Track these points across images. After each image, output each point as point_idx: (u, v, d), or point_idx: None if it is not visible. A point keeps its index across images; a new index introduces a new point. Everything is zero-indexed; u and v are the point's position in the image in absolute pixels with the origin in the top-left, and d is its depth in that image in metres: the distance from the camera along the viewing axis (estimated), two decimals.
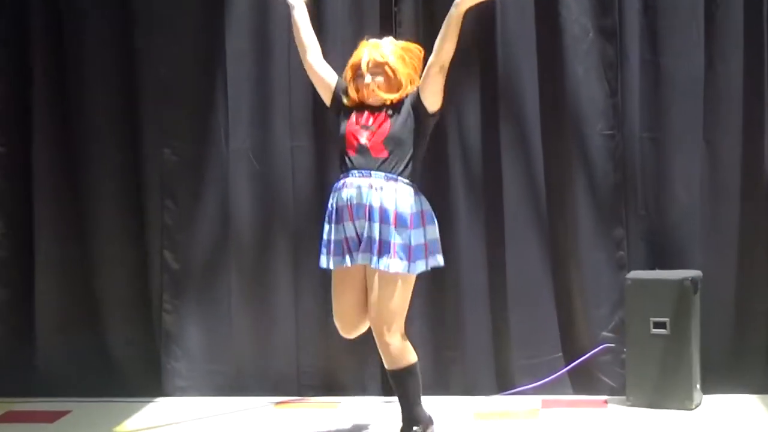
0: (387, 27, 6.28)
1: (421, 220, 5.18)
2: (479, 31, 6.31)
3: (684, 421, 5.76)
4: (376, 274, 5.09)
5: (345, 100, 5.31)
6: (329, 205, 5.26)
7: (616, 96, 6.27)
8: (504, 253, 6.32)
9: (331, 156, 6.23)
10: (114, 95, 6.63)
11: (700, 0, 6.20)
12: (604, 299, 6.31)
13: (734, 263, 6.24)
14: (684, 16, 6.21)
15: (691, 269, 6.13)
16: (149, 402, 6.49)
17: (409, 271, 5.09)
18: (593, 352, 6.23)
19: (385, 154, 5.19)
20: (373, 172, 5.16)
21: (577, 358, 6.29)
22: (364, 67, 5.20)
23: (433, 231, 5.23)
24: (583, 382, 6.31)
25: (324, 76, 5.44)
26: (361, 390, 6.48)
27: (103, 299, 6.69)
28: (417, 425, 5.25)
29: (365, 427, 5.92)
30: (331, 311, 5.90)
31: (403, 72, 5.24)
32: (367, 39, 5.40)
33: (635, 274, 6.16)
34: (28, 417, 6.25)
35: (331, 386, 6.51)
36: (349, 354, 6.43)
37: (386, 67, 5.22)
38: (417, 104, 5.23)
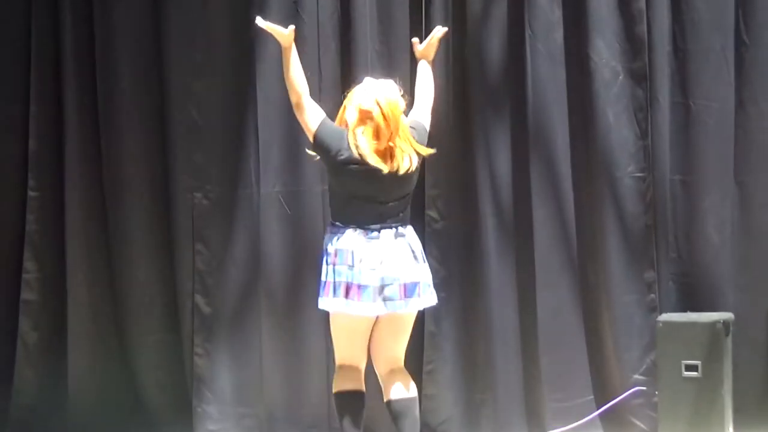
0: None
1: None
2: (510, 74, 6.37)
3: None
4: (400, 316, 5.14)
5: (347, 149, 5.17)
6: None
7: (646, 138, 6.28)
8: (535, 295, 6.30)
9: None
10: (145, 138, 6.66)
11: (731, 42, 6.19)
12: (635, 342, 6.28)
13: (766, 305, 6.22)
14: (714, 58, 6.21)
15: (722, 311, 6.11)
16: None
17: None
18: (625, 395, 6.20)
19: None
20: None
21: (609, 401, 6.26)
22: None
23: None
24: (615, 425, 6.27)
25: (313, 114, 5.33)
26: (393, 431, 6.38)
27: (134, 343, 6.71)
28: None
29: None
30: None
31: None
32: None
33: (666, 316, 6.13)
34: None
35: (363, 428, 6.33)
36: (380, 396, 6.32)
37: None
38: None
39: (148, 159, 6.67)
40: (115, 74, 6.65)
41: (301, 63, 6.00)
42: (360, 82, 5.34)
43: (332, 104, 6.15)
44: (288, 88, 5.26)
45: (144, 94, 6.65)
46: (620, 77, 6.26)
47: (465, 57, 6.33)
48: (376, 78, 5.30)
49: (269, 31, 5.25)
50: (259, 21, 5.29)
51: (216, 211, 6.61)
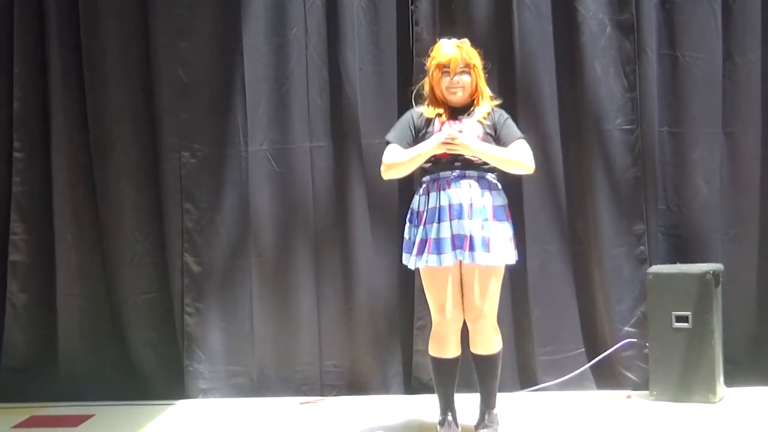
0: (404, 25, 6.35)
1: (507, 213, 5.41)
2: (497, 28, 6.37)
3: (707, 415, 5.73)
4: (478, 268, 5.27)
5: (426, 114, 5.40)
6: (417, 207, 5.35)
7: (634, 91, 6.27)
8: (525, 250, 6.24)
9: (351, 155, 6.34)
10: (131, 99, 6.64)
11: None
12: (625, 294, 6.31)
13: (755, 255, 6.26)
14: (702, 9, 6.22)
15: (712, 262, 6.14)
16: (172, 405, 6.49)
17: (512, 260, 5.39)
18: (616, 347, 6.23)
19: (474, 156, 5.30)
20: (467, 172, 5.29)
21: (600, 354, 6.29)
22: (453, 66, 5.32)
23: (511, 225, 5.45)
24: (606, 377, 6.32)
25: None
26: (384, 389, 6.50)
27: (125, 303, 6.71)
28: (495, 408, 5.47)
29: (390, 425, 5.92)
30: (352, 311, 6.31)
31: (483, 81, 5.44)
32: (449, 38, 5.48)
33: (656, 268, 6.16)
34: (51, 421, 6.25)
35: (354, 386, 6.52)
36: (371, 353, 6.48)
37: (473, 70, 5.38)
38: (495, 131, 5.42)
39: (134, 119, 6.65)
40: (100, 34, 6.62)
41: (286, 18, 6.36)
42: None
43: (319, 61, 6.38)
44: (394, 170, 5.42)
45: (129, 53, 6.64)
46: (607, 29, 6.25)
47: (452, 11, 6.35)
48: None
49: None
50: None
51: (204, 170, 6.61)
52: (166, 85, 6.57)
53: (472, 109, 5.38)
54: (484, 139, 5.31)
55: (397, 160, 5.32)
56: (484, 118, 5.37)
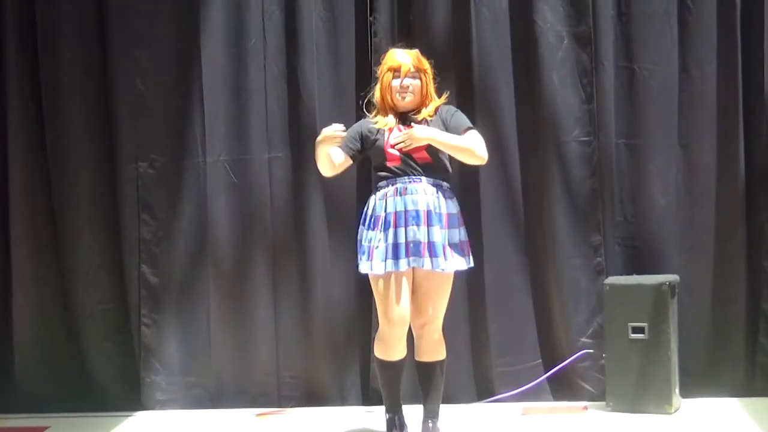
0: (362, 37, 6.35)
1: (460, 220, 5.41)
2: (454, 40, 6.37)
3: (664, 426, 5.74)
4: (433, 275, 5.30)
5: (376, 124, 5.44)
6: (372, 212, 5.36)
7: (591, 102, 6.29)
8: (482, 260, 6.24)
9: (309, 166, 6.23)
10: (89, 108, 6.60)
11: (674, 6, 6.22)
12: (582, 305, 6.31)
13: (711, 266, 6.27)
14: (658, 21, 6.23)
15: (668, 274, 6.15)
16: (129, 416, 6.47)
17: (467, 266, 5.40)
18: (572, 358, 6.23)
19: (428, 159, 5.32)
20: (423, 178, 5.31)
21: (557, 365, 6.28)
22: (404, 70, 5.36)
23: (465, 231, 5.46)
24: (563, 388, 6.32)
25: (351, 158, 5.52)
26: (341, 400, 6.49)
27: (81, 314, 6.67)
28: (437, 417, 5.48)
29: None
30: (309, 321, 6.28)
31: (432, 87, 5.48)
32: (398, 47, 5.54)
33: (613, 279, 6.17)
34: None
35: (311, 397, 6.50)
36: (329, 364, 6.46)
37: (423, 75, 5.42)
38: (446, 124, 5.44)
39: (92, 128, 6.61)
40: (57, 43, 6.60)
41: (245, 29, 6.32)
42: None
43: (277, 72, 6.35)
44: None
45: (86, 63, 6.60)
46: (565, 42, 6.27)
47: (410, 22, 6.36)
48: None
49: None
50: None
51: (162, 180, 6.58)
52: (124, 95, 6.55)
53: (419, 111, 5.43)
54: (439, 130, 5.36)
55: (318, 157, 5.38)
56: (430, 116, 5.40)
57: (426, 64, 5.43)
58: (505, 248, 6.39)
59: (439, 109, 5.45)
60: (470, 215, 6.18)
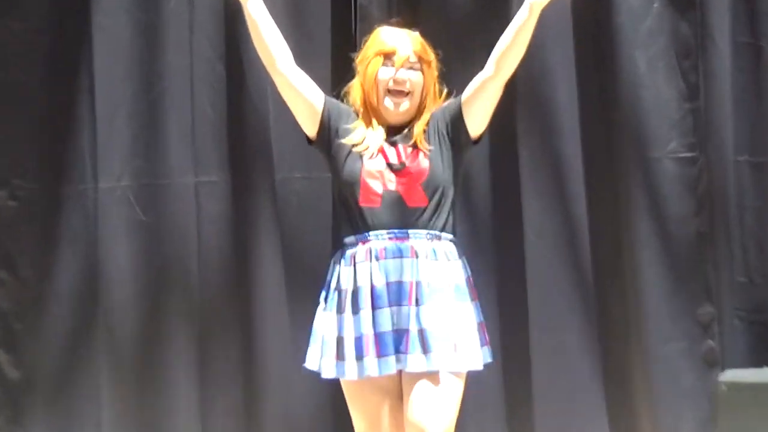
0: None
1: (471, 291, 4.50)
2: (485, 5, 5.37)
3: None
4: (430, 378, 4.43)
5: (350, 125, 4.52)
6: (332, 286, 4.43)
7: (696, 99, 5.23)
8: (527, 336, 5.26)
9: (258, 196, 5.49)
10: None
11: None
12: (685, 412, 5.26)
13: None
14: None
15: None
16: None
17: (484, 361, 4.55)
18: None
19: (424, 202, 4.41)
20: (410, 231, 4.36)
21: None
22: (400, 56, 4.44)
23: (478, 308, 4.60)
24: None
25: (304, 91, 4.50)
26: None
27: None
28: None
29: None
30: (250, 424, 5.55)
31: (435, 86, 4.58)
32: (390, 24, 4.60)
33: (733, 374, 5.11)
34: None
35: None
36: None
37: (427, 69, 4.49)
38: (455, 126, 4.42)
39: None
40: None
41: (163, 64, 5.57)
42: None
43: (211, 51, 5.63)
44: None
45: None
46: (655, 5, 5.24)
47: None
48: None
49: None
50: None
51: (29, 217, 5.60)
52: None
53: (411, 125, 4.49)
54: (439, 150, 4.41)
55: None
56: (426, 126, 4.46)
57: (431, 55, 4.50)
58: (561, 326, 5.36)
59: (432, 115, 4.54)
60: (508, 272, 5.32)
